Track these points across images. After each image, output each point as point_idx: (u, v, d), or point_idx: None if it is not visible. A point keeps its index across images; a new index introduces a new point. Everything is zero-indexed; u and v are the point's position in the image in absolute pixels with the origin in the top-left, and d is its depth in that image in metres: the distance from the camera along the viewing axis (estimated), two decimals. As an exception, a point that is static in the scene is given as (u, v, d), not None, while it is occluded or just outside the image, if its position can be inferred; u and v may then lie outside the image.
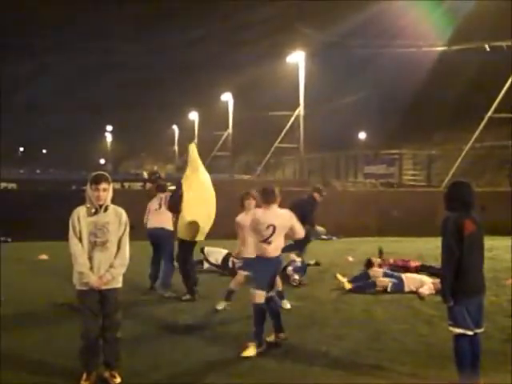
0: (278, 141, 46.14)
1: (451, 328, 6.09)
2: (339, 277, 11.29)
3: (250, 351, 7.30)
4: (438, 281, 10.33)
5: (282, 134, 44.96)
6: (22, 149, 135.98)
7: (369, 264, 12.23)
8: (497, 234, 15.47)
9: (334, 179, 43.54)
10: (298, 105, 40.75)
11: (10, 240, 15.97)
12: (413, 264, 12.52)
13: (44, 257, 13.90)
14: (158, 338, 7.95)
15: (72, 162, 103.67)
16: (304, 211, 11.43)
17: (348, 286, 10.88)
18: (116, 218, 6.32)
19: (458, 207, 6.10)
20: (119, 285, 6.39)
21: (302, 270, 11.62)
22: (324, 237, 16.96)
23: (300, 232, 7.92)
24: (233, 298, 9.30)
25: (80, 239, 6.22)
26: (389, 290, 10.69)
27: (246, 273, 8.80)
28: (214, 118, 66.60)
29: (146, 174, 36.64)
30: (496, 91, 29.55)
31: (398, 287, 10.71)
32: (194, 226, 10.12)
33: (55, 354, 7.14)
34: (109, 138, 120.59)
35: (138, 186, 33.61)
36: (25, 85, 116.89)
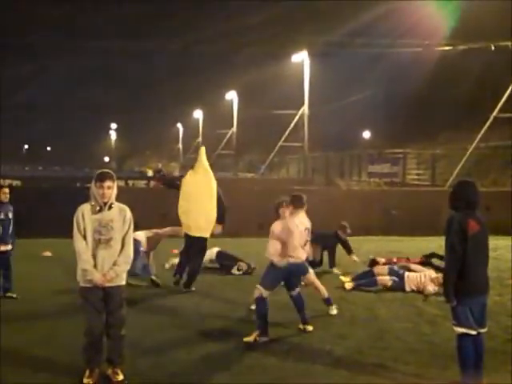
0: (282, 139, 46.11)
1: (455, 327, 6.09)
2: (342, 278, 11.34)
3: (251, 338, 7.66)
4: (440, 275, 10.44)
5: (287, 133, 44.93)
6: (26, 146, 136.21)
7: (373, 263, 12.28)
8: (501, 234, 15.46)
9: (338, 178, 43.47)
10: (302, 104, 40.73)
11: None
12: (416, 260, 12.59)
13: (48, 254, 13.94)
14: (161, 335, 7.96)
15: (76, 160, 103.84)
16: (327, 245, 12.31)
17: (349, 286, 10.89)
18: (120, 216, 6.33)
19: (463, 207, 6.09)
20: (123, 282, 6.40)
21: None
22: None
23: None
24: None
25: (84, 236, 6.22)
26: (389, 285, 10.73)
27: None
28: (218, 117, 66.57)
29: (150, 172, 36.61)
30: (501, 91, 29.50)
31: (399, 286, 10.72)
32: (183, 220, 10.82)
33: (58, 350, 7.16)
34: (113, 135, 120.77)
35: (142, 183, 33.61)
36: (29, 83, 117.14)
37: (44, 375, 6.45)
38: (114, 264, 6.24)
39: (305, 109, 40.35)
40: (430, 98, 44.84)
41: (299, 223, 8.22)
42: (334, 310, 9.08)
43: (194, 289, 10.64)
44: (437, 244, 12.44)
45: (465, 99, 39.33)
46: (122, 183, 29.47)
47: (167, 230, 11.74)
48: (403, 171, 37.51)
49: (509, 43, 29.76)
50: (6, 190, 9.88)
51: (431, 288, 10.51)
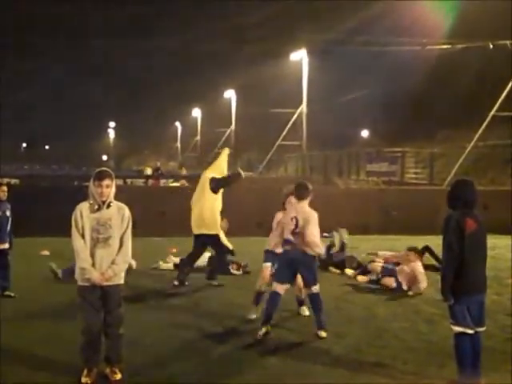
0: (280, 138, 46.10)
1: (452, 326, 6.11)
2: (348, 271, 11.40)
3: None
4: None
5: (285, 132, 44.92)
6: (24, 145, 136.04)
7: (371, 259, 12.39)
8: (499, 233, 15.48)
9: (337, 177, 43.47)
10: (300, 102, 40.73)
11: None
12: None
13: (46, 252, 13.91)
14: (159, 334, 7.96)
15: (75, 159, 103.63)
16: None
17: (362, 279, 10.99)
18: (119, 215, 6.32)
19: (461, 206, 6.11)
20: (121, 281, 6.40)
21: None
22: (326, 234, 16.95)
23: (310, 238, 7.90)
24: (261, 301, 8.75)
25: (82, 235, 6.22)
26: (393, 286, 10.77)
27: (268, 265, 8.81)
28: (216, 115, 66.53)
29: (148, 170, 36.58)
30: (500, 89, 29.50)
31: (399, 286, 10.76)
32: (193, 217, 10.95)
33: (56, 349, 7.16)
34: (111, 134, 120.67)
35: (140, 182, 33.60)
36: (27, 82, 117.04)
37: (42, 374, 6.45)
38: (113, 263, 6.24)
39: (303, 107, 40.35)
40: (429, 96, 44.85)
41: (292, 212, 8.06)
42: (306, 311, 8.87)
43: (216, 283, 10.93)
44: (435, 243, 12.41)
45: (463, 98, 39.34)
46: (120, 182, 29.49)
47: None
48: (401, 170, 37.50)
49: (507, 42, 29.77)
50: (4, 188, 9.85)
51: (422, 285, 10.57)
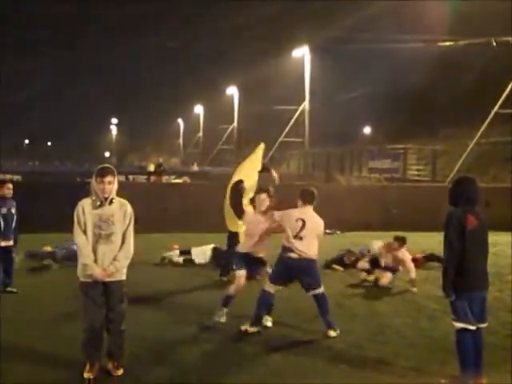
0: (282, 135, 46.11)
1: (454, 322, 6.12)
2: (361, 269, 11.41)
3: (244, 326, 7.81)
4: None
5: (287, 129, 44.93)
6: (27, 141, 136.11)
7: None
8: (501, 230, 15.47)
9: (339, 174, 43.46)
10: (303, 99, 40.72)
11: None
12: (419, 260, 12.69)
13: (48, 248, 13.92)
14: (161, 330, 7.97)
15: (77, 155, 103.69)
16: None
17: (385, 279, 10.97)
18: (121, 211, 6.34)
19: (462, 203, 6.12)
20: (123, 277, 6.42)
21: None
22: (328, 231, 16.97)
23: (315, 247, 8.01)
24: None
25: (84, 231, 6.24)
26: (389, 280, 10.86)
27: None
28: (219, 112, 66.62)
29: (152, 167, 36.61)
30: (502, 87, 29.47)
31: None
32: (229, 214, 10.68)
33: (59, 345, 7.17)
34: (114, 130, 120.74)
35: (142, 178, 33.56)
36: (30, 78, 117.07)
37: (44, 369, 6.46)
38: (115, 259, 6.26)
39: (305, 104, 40.34)
40: (431, 93, 44.83)
41: (296, 213, 8.00)
42: (268, 322, 8.23)
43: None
44: (436, 240, 12.45)
45: (466, 95, 39.32)
46: (122, 178, 29.49)
47: None
48: (404, 167, 37.46)
49: (510, 39, 29.72)
50: (10, 186, 9.87)
51: (411, 274, 10.65)
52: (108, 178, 6.24)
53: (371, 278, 11.09)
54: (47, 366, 6.55)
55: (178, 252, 12.70)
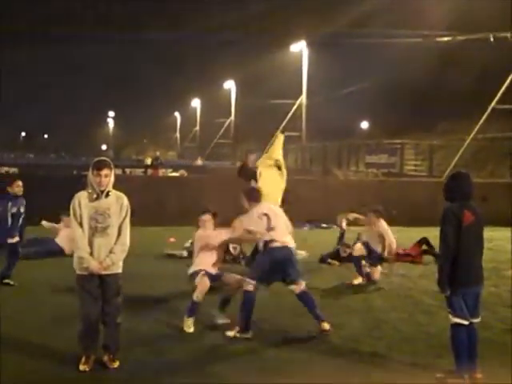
0: (280, 129, 46.06)
1: (450, 316, 6.14)
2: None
3: (230, 332, 7.49)
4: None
5: (285, 123, 44.90)
6: (23, 134, 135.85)
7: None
8: (498, 225, 15.50)
9: (336, 168, 43.44)
10: (300, 93, 40.70)
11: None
12: (413, 249, 12.71)
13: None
14: (157, 324, 7.97)
15: (74, 148, 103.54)
16: None
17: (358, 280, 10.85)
18: (117, 204, 6.33)
19: (458, 198, 6.15)
20: (119, 270, 6.41)
21: None
22: (324, 225, 16.99)
23: (288, 224, 7.99)
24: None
25: (80, 224, 6.23)
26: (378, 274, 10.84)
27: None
28: (216, 106, 66.52)
29: (149, 160, 36.60)
30: (500, 82, 29.45)
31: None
32: None
33: (54, 337, 7.17)
34: (111, 124, 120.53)
35: (139, 171, 33.57)
36: (26, 70, 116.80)
37: (40, 362, 6.46)
38: (111, 252, 6.25)
39: (303, 98, 40.31)
40: (429, 88, 44.80)
41: (254, 213, 7.86)
42: (190, 328, 7.77)
43: None
44: (433, 235, 12.46)
45: (463, 90, 39.30)
46: (119, 171, 29.49)
47: None
48: (401, 162, 37.45)
49: (508, 34, 29.69)
50: (20, 183, 9.77)
51: (393, 246, 10.66)
52: (104, 171, 6.23)
53: (360, 280, 10.91)
54: (43, 359, 6.54)
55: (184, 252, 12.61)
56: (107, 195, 6.29)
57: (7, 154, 65.24)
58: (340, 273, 11.51)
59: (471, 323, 6.13)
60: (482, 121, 29.33)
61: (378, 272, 10.82)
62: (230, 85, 58.96)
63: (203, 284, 7.88)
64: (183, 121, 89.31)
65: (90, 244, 6.23)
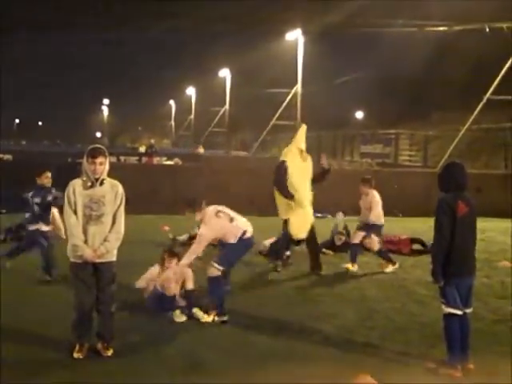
0: (275, 118, 46.00)
1: (443, 306, 6.17)
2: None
3: (208, 317, 7.61)
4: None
5: (279, 112, 44.82)
6: (17, 121, 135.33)
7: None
8: (492, 216, 15.55)
9: (331, 158, 43.48)
10: (295, 82, 40.59)
11: (4, 211, 15.96)
12: (403, 242, 12.72)
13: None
14: (152, 312, 7.97)
15: (68, 135, 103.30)
16: None
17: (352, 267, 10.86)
18: (112, 192, 6.32)
19: (452, 188, 6.16)
20: (114, 258, 6.42)
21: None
22: (319, 215, 17.00)
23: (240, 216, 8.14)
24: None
25: (75, 212, 6.22)
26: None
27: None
28: (211, 94, 66.26)
29: (142, 148, 36.53)
30: (495, 73, 29.45)
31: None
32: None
33: (48, 325, 7.17)
34: (105, 111, 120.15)
35: (133, 159, 33.51)
36: (21, 58, 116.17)
37: (34, 349, 6.47)
38: (105, 240, 6.25)
39: (298, 87, 40.21)
40: (424, 79, 44.80)
41: (212, 213, 7.87)
42: (181, 317, 7.79)
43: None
44: (427, 225, 12.50)
45: (458, 81, 39.31)
46: (113, 159, 29.42)
47: None
48: (395, 152, 37.53)
49: (503, 25, 29.67)
50: (49, 175, 9.64)
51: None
52: (99, 159, 6.22)
53: (355, 267, 10.94)
54: (37, 346, 6.56)
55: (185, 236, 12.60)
56: (102, 183, 6.28)
57: (2, 141, 64.91)
58: (334, 262, 11.51)
59: (464, 313, 6.16)
60: (476, 111, 29.36)
61: (375, 242, 10.83)
62: (225, 73, 58.70)
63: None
64: (178, 109, 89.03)
65: (85, 232, 6.22)
